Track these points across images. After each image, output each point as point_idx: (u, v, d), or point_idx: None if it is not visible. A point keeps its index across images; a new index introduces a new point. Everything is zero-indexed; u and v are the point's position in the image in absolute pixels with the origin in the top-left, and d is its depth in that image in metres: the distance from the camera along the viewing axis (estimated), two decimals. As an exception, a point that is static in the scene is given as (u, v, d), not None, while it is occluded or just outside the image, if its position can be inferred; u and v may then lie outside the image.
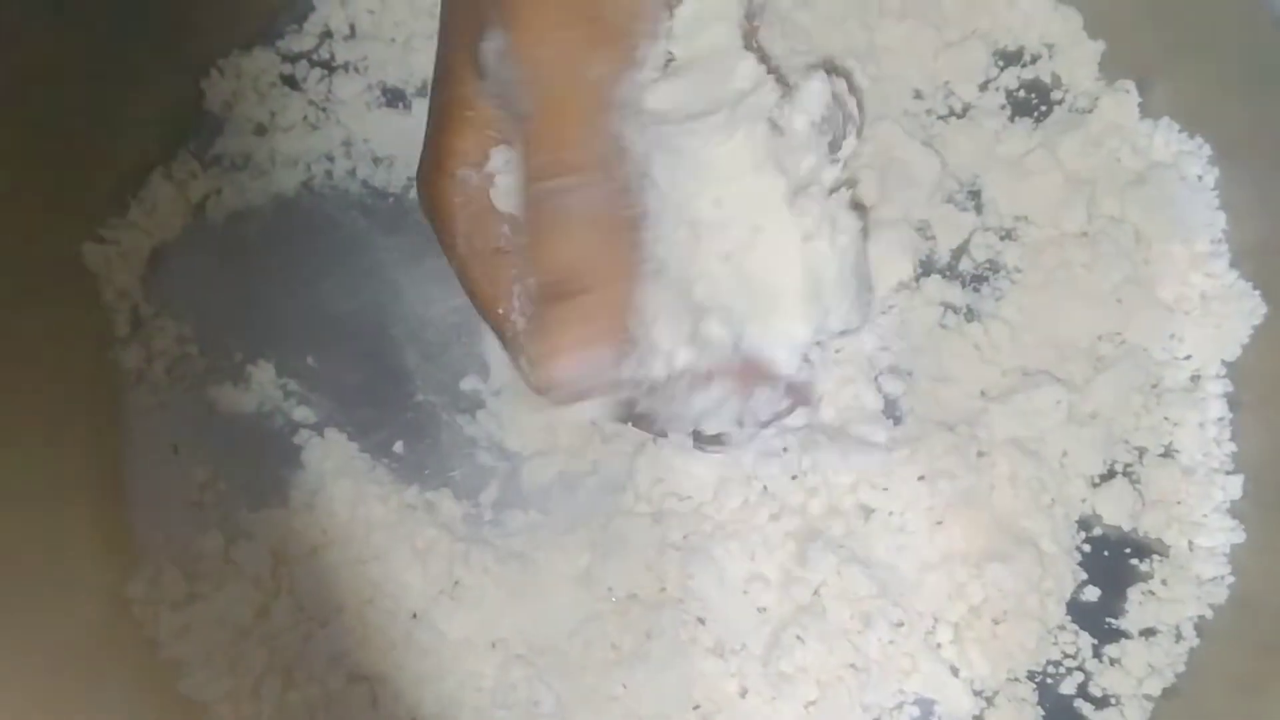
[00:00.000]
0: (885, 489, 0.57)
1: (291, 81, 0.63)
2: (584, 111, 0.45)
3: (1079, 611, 0.57)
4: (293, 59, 0.64)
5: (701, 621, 0.56)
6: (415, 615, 0.56)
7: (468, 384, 0.60)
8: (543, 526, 0.57)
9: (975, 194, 0.61)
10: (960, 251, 0.61)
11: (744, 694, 0.55)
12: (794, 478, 0.57)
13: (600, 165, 0.45)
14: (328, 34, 0.64)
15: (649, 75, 0.47)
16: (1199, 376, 0.59)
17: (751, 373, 0.50)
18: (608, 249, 0.45)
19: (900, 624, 0.55)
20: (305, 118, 0.63)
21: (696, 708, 0.55)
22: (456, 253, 0.49)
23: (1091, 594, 0.57)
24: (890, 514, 0.57)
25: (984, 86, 0.63)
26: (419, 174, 0.50)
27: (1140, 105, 0.61)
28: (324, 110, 0.63)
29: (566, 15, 0.45)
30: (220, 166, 0.63)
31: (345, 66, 0.64)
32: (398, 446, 0.59)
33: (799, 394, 0.52)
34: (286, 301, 0.61)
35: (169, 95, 0.63)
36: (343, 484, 0.57)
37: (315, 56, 0.64)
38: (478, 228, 0.49)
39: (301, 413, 0.60)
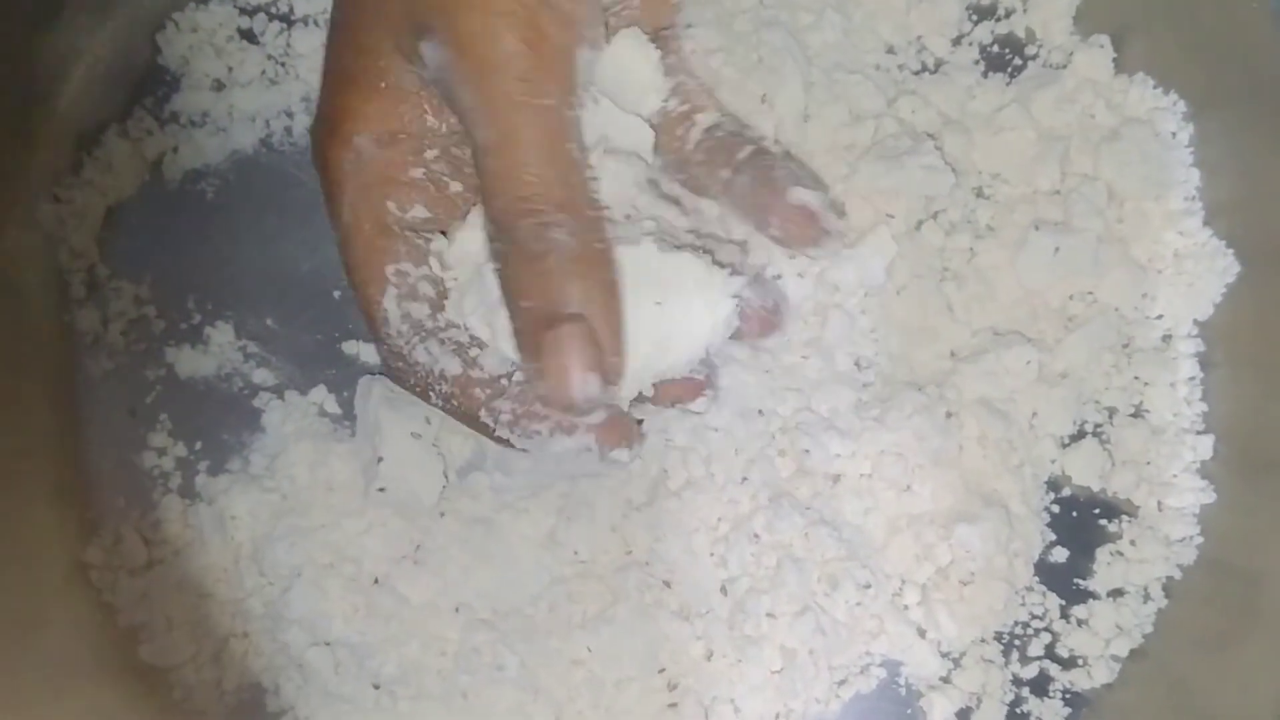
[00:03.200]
0: (854, 450, 0.56)
1: (249, 35, 0.62)
2: (543, 144, 0.45)
3: (1047, 572, 0.57)
4: (250, 12, 0.62)
5: (667, 584, 0.55)
6: (377, 580, 0.55)
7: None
8: (506, 490, 0.56)
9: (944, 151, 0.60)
10: (932, 210, 0.60)
11: (710, 657, 0.55)
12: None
13: (568, 198, 0.45)
14: (286, -14, 0.63)
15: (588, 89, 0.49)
16: (1170, 336, 0.59)
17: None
18: (591, 277, 0.45)
19: (867, 586, 0.55)
20: (264, 73, 0.62)
21: (662, 671, 0.55)
22: (340, 220, 0.50)
23: (1060, 555, 0.57)
24: (860, 476, 0.56)
25: (957, 41, 0.62)
26: (312, 130, 0.50)
27: (1115, 61, 0.60)
28: (283, 65, 0.62)
29: (513, 36, 0.44)
30: (177, 123, 0.61)
31: (304, 20, 0.62)
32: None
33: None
34: (245, 261, 0.60)
35: (123, 50, 0.61)
36: (303, 447, 0.57)
37: (273, 9, 0.62)
38: (364, 200, 0.49)
39: (261, 375, 0.59)
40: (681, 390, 0.52)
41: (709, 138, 0.53)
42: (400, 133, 0.49)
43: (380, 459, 0.54)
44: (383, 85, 0.48)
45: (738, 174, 0.52)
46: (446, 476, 0.56)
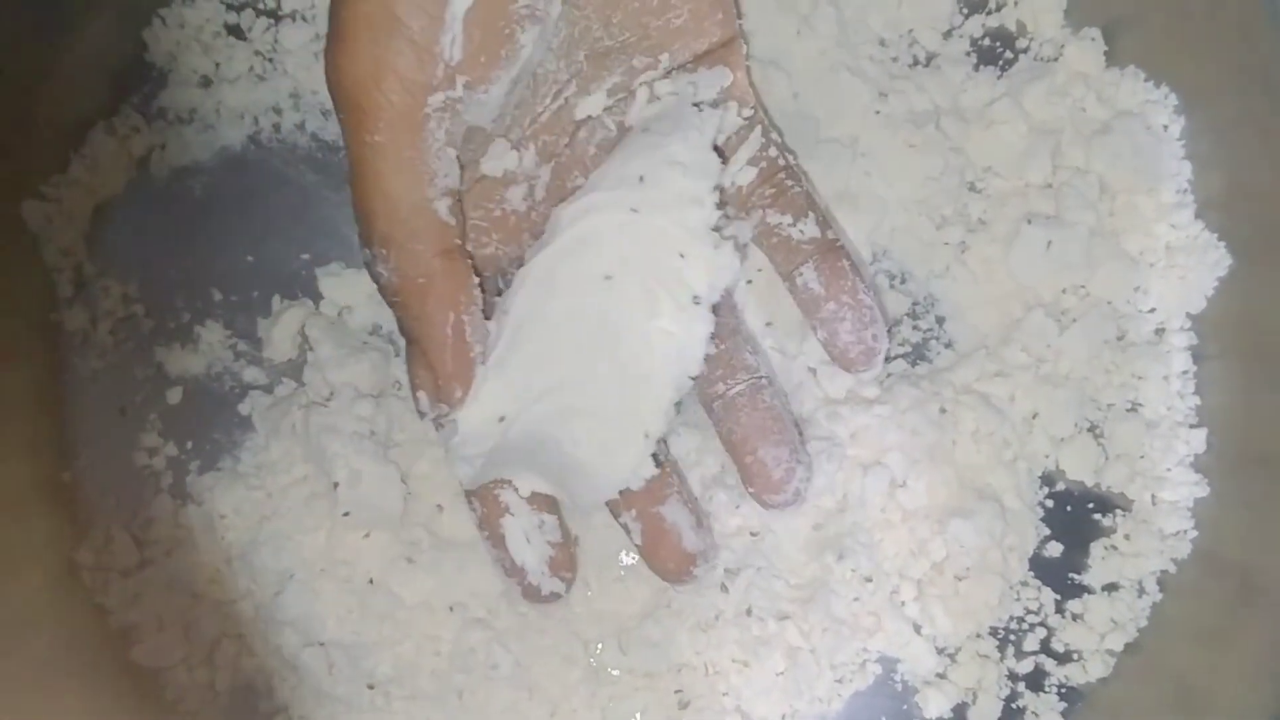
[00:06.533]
0: (850, 446, 0.56)
1: (237, 31, 0.61)
2: (366, 179, 0.46)
3: (1042, 567, 0.57)
4: (238, 7, 0.61)
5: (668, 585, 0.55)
6: (371, 580, 0.55)
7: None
8: (501, 488, 0.56)
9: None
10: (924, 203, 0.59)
11: (714, 656, 0.55)
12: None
13: (388, 232, 0.46)
14: (273, -20, 0.62)
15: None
16: (1163, 329, 0.59)
17: None
18: (412, 309, 0.48)
19: (869, 579, 0.55)
20: (251, 69, 0.61)
21: (674, 674, 0.55)
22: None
23: (1054, 549, 0.57)
24: (854, 470, 0.56)
25: (948, 34, 0.62)
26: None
27: (1106, 54, 0.60)
28: (271, 61, 0.61)
29: (349, 71, 0.45)
30: (164, 120, 0.61)
31: (292, 15, 0.61)
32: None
33: None
34: (234, 259, 0.59)
35: (110, 47, 0.61)
36: (294, 446, 0.56)
37: (261, 5, 0.62)
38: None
39: (251, 373, 0.58)
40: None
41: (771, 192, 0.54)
42: None
43: (336, 484, 0.54)
44: None
45: (803, 266, 0.53)
46: (405, 482, 0.56)
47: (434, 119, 0.45)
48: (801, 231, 0.53)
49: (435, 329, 0.47)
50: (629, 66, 0.52)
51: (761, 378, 0.53)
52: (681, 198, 0.49)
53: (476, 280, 0.48)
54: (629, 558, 0.56)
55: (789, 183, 0.54)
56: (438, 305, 0.47)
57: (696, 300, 0.49)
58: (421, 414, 0.49)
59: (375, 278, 0.48)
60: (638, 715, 0.55)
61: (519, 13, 0.45)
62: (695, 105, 0.52)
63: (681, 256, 0.49)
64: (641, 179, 0.49)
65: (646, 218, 0.49)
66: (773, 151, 0.54)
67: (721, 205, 0.50)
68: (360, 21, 0.43)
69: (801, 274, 0.53)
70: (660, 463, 0.52)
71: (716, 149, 0.51)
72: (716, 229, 0.50)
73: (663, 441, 0.53)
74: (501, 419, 0.49)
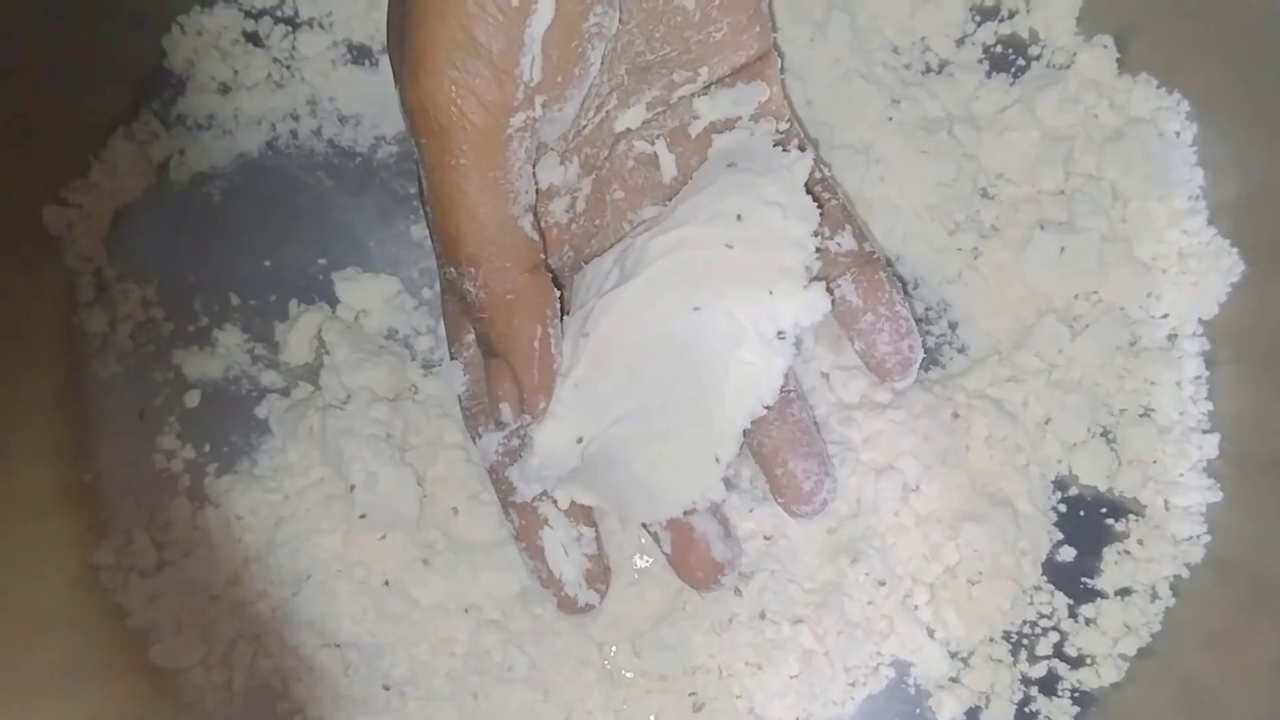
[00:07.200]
0: (863, 451, 0.56)
1: (255, 38, 0.62)
2: (452, 201, 0.46)
3: (1055, 572, 0.57)
4: (256, 15, 0.62)
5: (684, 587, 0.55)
6: (387, 582, 0.55)
7: (436, 349, 0.59)
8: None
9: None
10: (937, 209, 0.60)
11: (728, 659, 0.55)
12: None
13: (476, 251, 0.47)
14: (291, -12, 0.63)
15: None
16: (1176, 335, 0.59)
17: None
18: (499, 326, 0.48)
19: (882, 583, 0.55)
20: (269, 76, 0.62)
21: (688, 676, 0.55)
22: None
23: (1067, 554, 0.57)
24: (868, 475, 0.56)
25: (961, 42, 0.62)
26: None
27: (1118, 61, 0.60)
28: (288, 68, 0.62)
29: (433, 95, 0.44)
30: (183, 126, 0.61)
31: (310, 23, 0.62)
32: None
33: None
34: (252, 264, 0.60)
35: (129, 54, 0.61)
36: (311, 449, 0.57)
37: (279, 12, 0.62)
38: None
39: (269, 377, 0.59)
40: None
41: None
42: None
43: (353, 487, 0.55)
44: None
45: (840, 278, 0.54)
46: (421, 485, 0.56)
47: (515, 139, 0.46)
48: (839, 244, 0.54)
49: (522, 344, 0.48)
50: (669, 80, 0.52)
51: (790, 391, 0.54)
52: (781, 238, 0.50)
53: (557, 293, 0.49)
54: (643, 561, 0.56)
55: (825, 195, 0.54)
56: (525, 320, 0.48)
57: (781, 335, 0.49)
58: (502, 426, 0.51)
59: (461, 295, 0.48)
60: (652, 718, 0.55)
61: (590, 31, 0.46)
62: (778, 145, 0.53)
63: (771, 293, 0.49)
64: (739, 218, 0.50)
65: (740, 253, 0.49)
66: None
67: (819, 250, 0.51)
68: (439, 45, 0.43)
69: (839, 286, 0.53)
70: (730, 485, 0.52)
71: (809, 192, 0.52)
72: (807, 268, 0.50)
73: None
74: (579, 440, 0.50)
